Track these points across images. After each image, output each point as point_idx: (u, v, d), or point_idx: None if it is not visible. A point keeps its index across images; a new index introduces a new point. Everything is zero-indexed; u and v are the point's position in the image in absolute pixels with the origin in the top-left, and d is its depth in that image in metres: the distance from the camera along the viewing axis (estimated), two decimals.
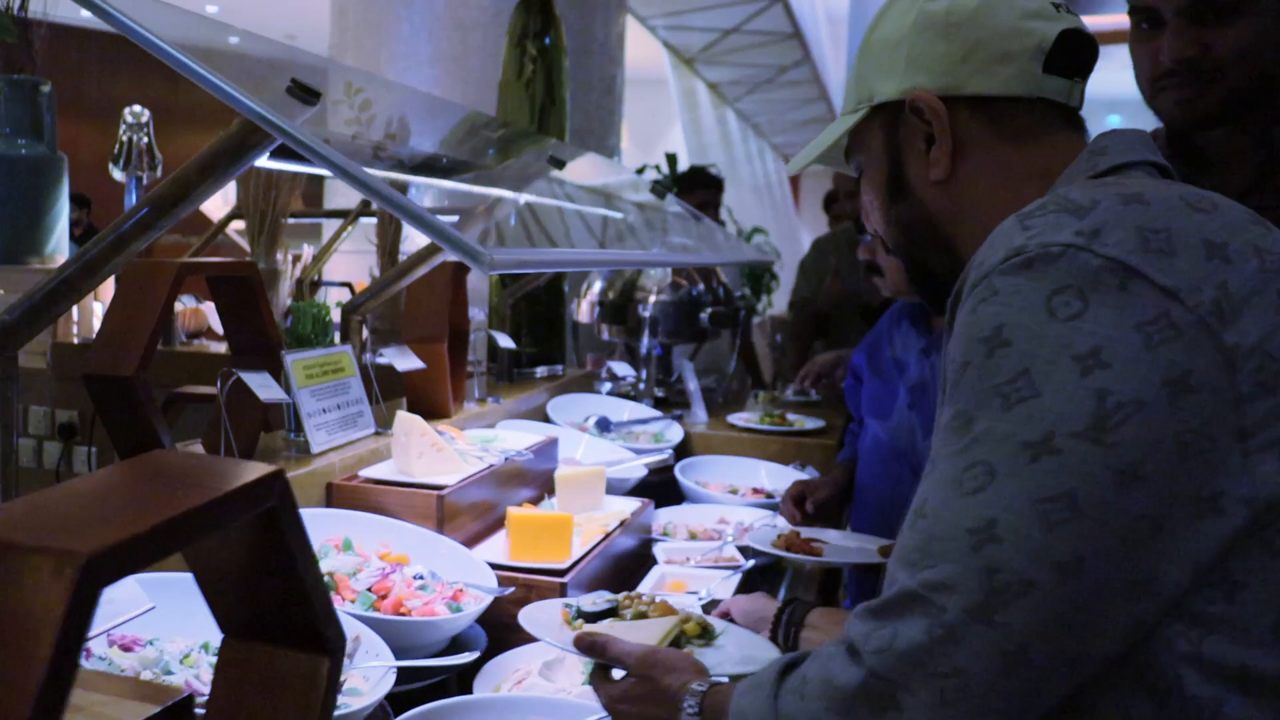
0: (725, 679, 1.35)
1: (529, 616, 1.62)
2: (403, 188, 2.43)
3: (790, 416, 3.65)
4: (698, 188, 5.48)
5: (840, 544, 2.32)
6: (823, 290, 4.58)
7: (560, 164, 2.50)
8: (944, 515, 0.96)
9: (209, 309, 4.56)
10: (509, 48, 3.53)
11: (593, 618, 1.63)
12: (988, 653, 0.92)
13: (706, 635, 1.64)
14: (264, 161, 1.34)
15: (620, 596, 1.71)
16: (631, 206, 3.04)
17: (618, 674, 1.41)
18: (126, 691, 0.98)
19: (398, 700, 1.54)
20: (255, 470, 0.79)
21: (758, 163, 18.89)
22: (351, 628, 1.56)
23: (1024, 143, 1.23)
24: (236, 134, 1.24)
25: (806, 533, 2.33)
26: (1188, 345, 0.94)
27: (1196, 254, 0.98)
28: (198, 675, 1.39)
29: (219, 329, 4.65)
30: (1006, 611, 0.92)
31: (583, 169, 2.97)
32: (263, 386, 1.86)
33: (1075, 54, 1.24)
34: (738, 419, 3.65)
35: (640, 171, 6.42)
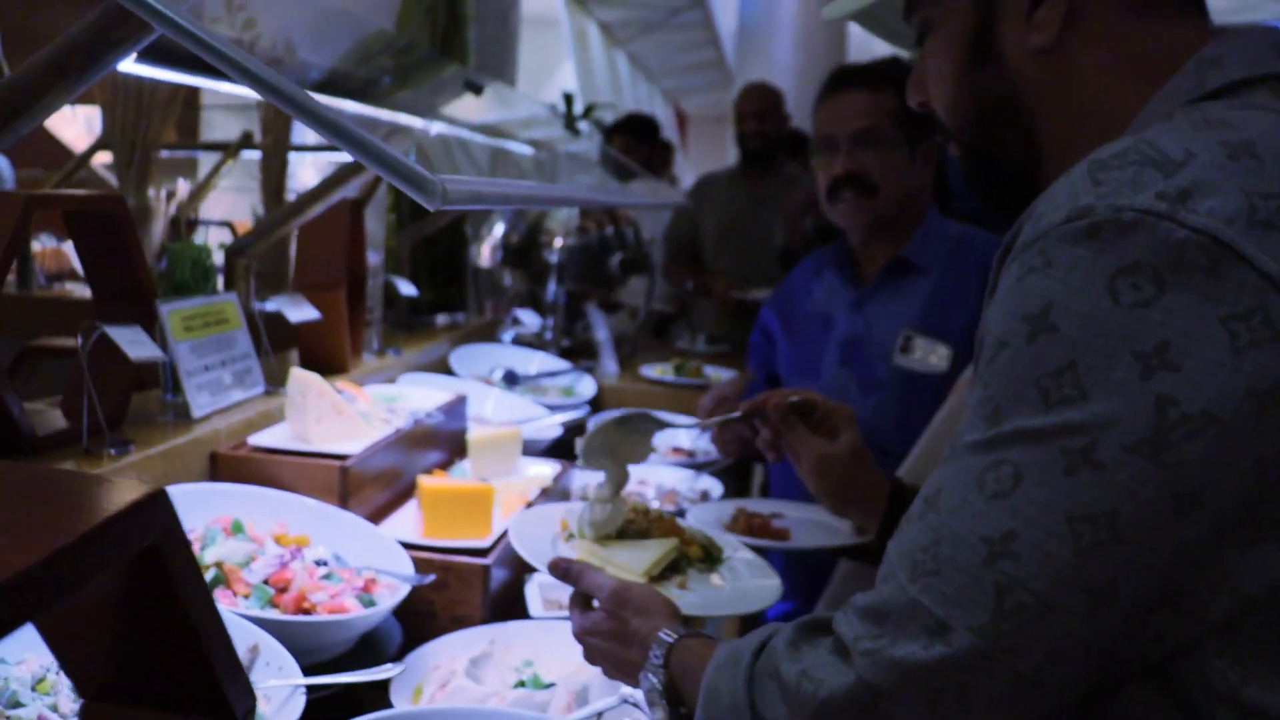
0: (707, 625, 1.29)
1: (519, 527, 1.58)
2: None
3: (706, 369, 3.45)
4: (650, 141, 5.38)
5: (804, 518, 2.04)
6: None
7: (478, 89, 2.23)
8: (959, 516, 0.84)
9: (71, 249, 4.18)
10: None
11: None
12: (995, 675, 0.82)
13: (710, 559, 1.60)
14: (130, 65, 1.06)
15: (628, 502, 1.64)
16: (548, 144, 2.78)
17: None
18: None
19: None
20: (128, 493, 0.55)
21: (647, 106, 18.58)
22: (248, 634, 1.31)
23: (1146, 19, 0.98)
24: (96, 24, 0.97)
25: (755, 507, 2.07)
26: None
27: None
28: (55, 706, 1.12)
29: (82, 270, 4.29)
30: (1019, 635, 0.81)
31: (494, 102, 2.70)
32: (133, 343, 1.58)
33: None
34: (649, 370, 3.44)
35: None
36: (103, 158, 3.97)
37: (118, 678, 0.68)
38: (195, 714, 0.68)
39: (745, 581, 1.56)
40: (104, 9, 0.95)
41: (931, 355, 2.22)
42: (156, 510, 0.57)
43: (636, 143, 5.56)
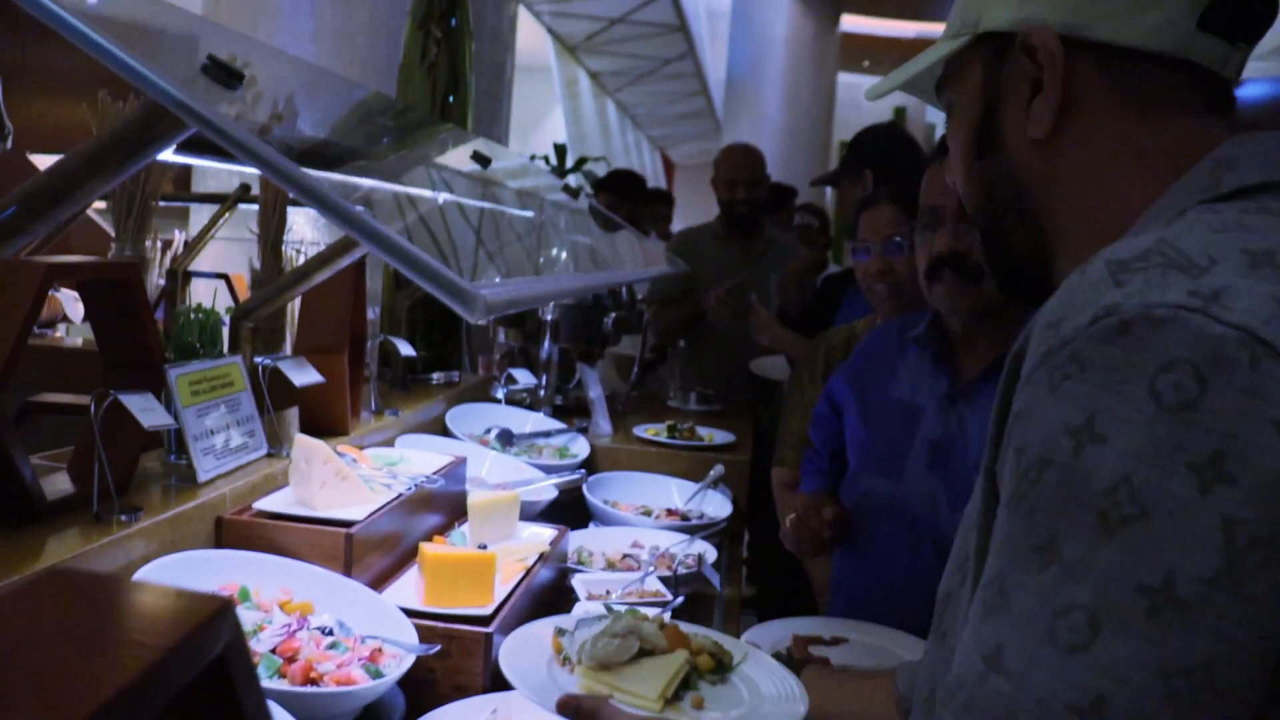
0: None
1: (512, 658, 1.53)
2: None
3: (700, 430, 3.48)
4: (636, 197, 5.43)
5: (868, 643, 1.89)
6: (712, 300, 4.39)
7: (485, 161, 2.26)
8: (1034, 680, 0.74)
9: (65, 296, 4.18)
10: (411, 29, 3.27)
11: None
12: None
13: (722, 669, 1.56)
14: (169, 155, 1.10)
15: (619, 613, 1.59)
16: (551, 207, 2.82)
17: None
18: None
19: None
20: (203, 604, 0.57)
21: (635, 154, 18.78)
22: None
23: (1150, 115, 0.97)
24: (140, 122, 1.00)
25: (809, 627, 1.94)
26: None
27: None
28: None
29: (76, 317, 4.28)
30: None
31: (499, 164, 2.74)
32: (145, 410, 1.60)
33: (1245, 9, 0.96)
34: (641, 431, 3.46)
35: (533, 160, 6.20)
36: (98, 204, 3.99)
37: None
38: None
39: (768, 701, 1.50)
40: (146, 106, 0.98)
41: None
42: (227, 619, 0.59)
43: (620, 200, 5.63)
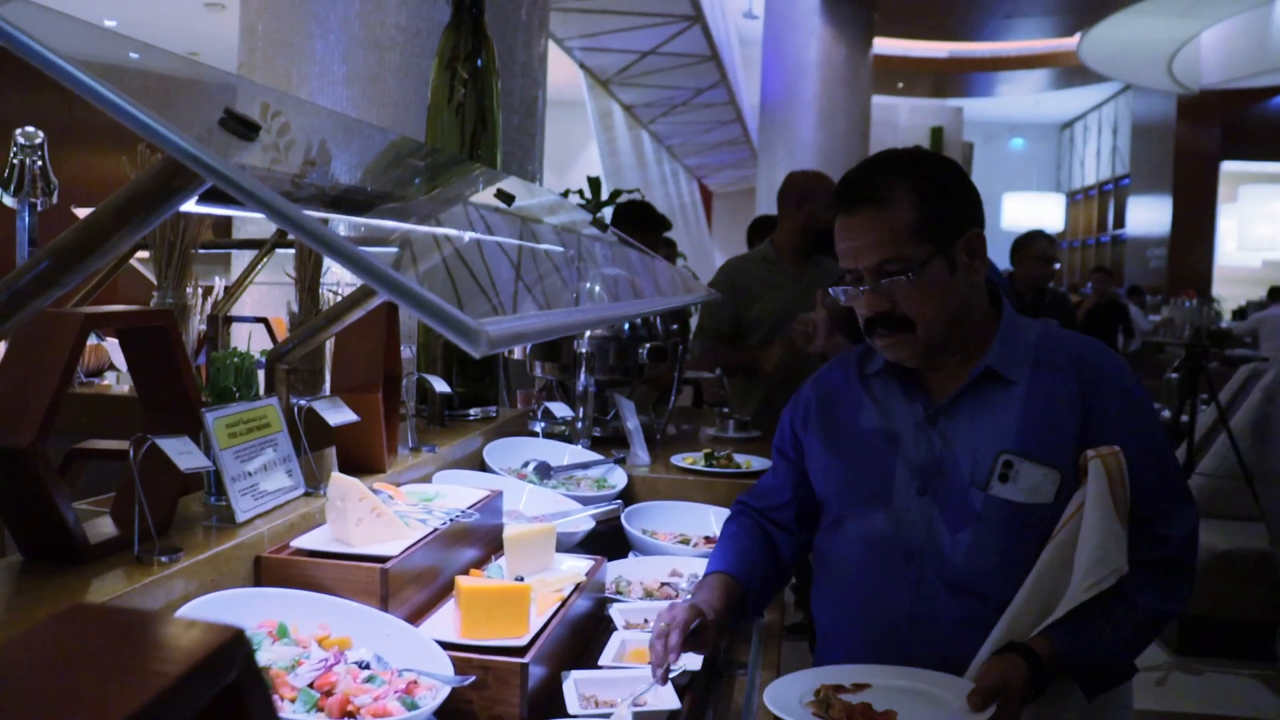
0: None
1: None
2: (348, 240, 2.21)
3: (737, 458, 3.49)
4: (649, 227, 5.42)
5: (899, 687, 1.80)
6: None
7: (509, 199, 2.31)
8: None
9: (111, 345, 4.28)
10: (438, 70, 3.33)
11: None
12: None
13: None
14: (191, 206, 1.14)
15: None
16: (576, 240, 2.86)
17: None
18: None
19: None
20: (213, 634, 0.60)
21: (672, 184, 18.85)
22: None
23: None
24: (160, 175, 1.04)
25: (836, 676, 1.84)
26: None
27: None
28: None
29: (122, 365, 4.37)
30: None
31: (523, 200, 2.78)
32: (182, 454, 1.64)
33: None
34: (680, 460, 3.47)
35: (565, 196, 6.24)
36: (140, 254, 4.08)
37: None
38: None
39: None
40: (165, 162, 1.02)
41: (1037, 482, 1.91)
42: (238, 648, 0.62)
43: (634, 231, 5.65)
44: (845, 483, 2.12)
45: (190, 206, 1.12)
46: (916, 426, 2.03)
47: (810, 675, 1.84)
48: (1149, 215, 21.89)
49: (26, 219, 3.83)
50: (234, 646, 0.61)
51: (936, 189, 1.98)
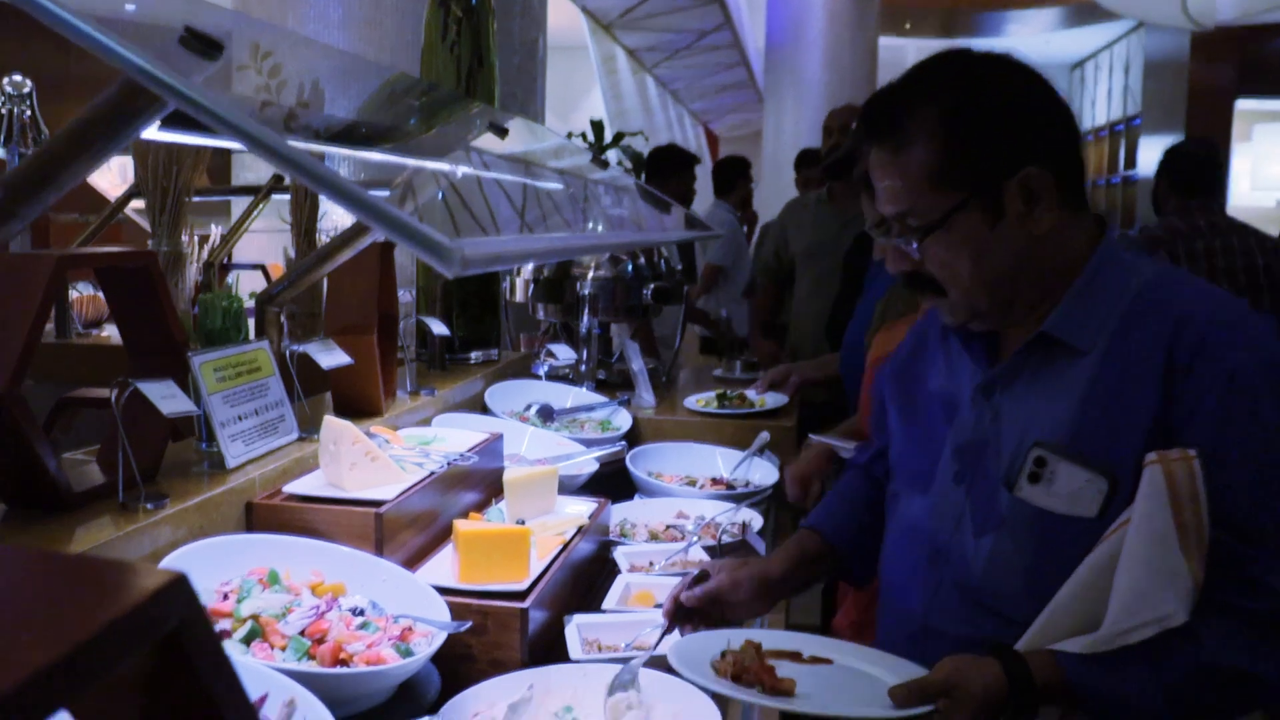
0: None
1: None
2: (320, 160, 2.14)
3: (750, 395, 3.43)
4: (683, 168, 5.47)
5: (843, 664, 1.60)
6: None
7: (502, 132, 2.23)
8: None
9: None
10: (431, 8, 3.24)
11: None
12: None
13: None
14: (153, 132, 1.07)
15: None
16: (575, 179, 2.79)
17: None
18: None
19: None
20: (148, 580, 0.55)
21: (677, 130, 18.67)
22: (284, 689, 1.31)
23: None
24: (115, 97, 0.98)
25: (774, 640, 1.61)
26: None
27: None
28: None
29: None
30: None
31: (519, 137, 2.71)
32: (166, 397, 1.59)
33: None
34: (691, 402, 3.42)
35: (569, 139, 6.17)
36: (136, 204, 4.02)
37: None
38: None
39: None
40: (122, 82, 0.95)
41: (1078, 489, 1.47)
42: (177, 594, 0.56)
43: (669, 175, 5.63)
44: (900, 452, 1.80)
45: (152, 133, 1.06)
46: (973, 396, 1.64)
47: (739, 635, 1.61)
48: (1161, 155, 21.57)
49: (14, 165, 3.75)
50: (172, 593, 0.55)
51: (974, 114, 1.52)
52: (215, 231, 3.87)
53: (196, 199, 3.82)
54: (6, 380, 1.45)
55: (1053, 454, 1.48)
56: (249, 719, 0.65)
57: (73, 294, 3.91)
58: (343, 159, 2.75)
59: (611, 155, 7.01)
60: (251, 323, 2.15)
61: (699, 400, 3.41)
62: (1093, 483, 1.45)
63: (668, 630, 1.76)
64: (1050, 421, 1.51)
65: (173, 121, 1.05)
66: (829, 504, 1.99)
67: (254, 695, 1.31)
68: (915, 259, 1.58)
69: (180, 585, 0.56)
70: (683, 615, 1.77)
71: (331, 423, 1.86)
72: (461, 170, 2.02)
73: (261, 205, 3.90)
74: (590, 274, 3.61)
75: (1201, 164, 4.34)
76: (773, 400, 3.39)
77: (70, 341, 3.66)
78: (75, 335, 3.75)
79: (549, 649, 1.77)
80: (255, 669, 1.33)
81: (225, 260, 3.71)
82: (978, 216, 1.52)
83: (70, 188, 1.08)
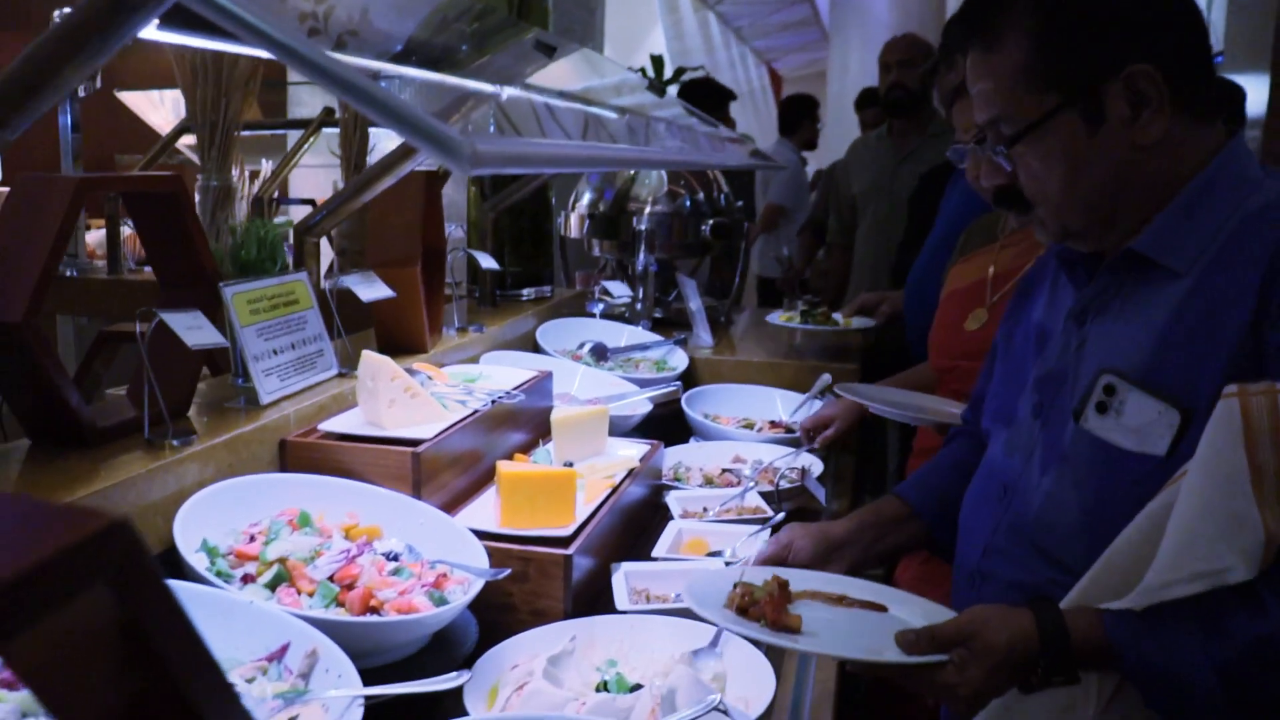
0: None
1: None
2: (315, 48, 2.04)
3: (835, 315, 3.33)
4: (717, 103, 5.34)
5: (895, 614, 1.45)
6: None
7: (550, 49, 2.11)
8: None
9: None
10: None
11: None
12: None
13: None
14: (151, 31, 0.97)
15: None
16: (629, 107, 2.66)
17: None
18: None
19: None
20: (78, 526, 0.45)
21: (740, 69, 18.34)
22: (306, 638, 1.23)
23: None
24: None
25: (799, 578, 1.49)
26: None
27: None
28: None
29: None
30: None
31: (570, 65, 2.59)
32: (191, 328, 1.51)
33: None
34: (774, 317, 3.39)
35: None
36: (188, 140, 3.96)
37: None
38: None
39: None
40: None
41: (1147, 422, 1.30)
42: (113, 541, 0.47)
43: (701, 109, 5.51)
44: (993, 390, 1.67)
45: (151, 33, 0.96)
46: (1064, 323, 1.48)
47: (786, 574, 1.47)
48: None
49: (67, 105, 3.71)
50: (106, 540, 0.46)
51: (1074, 7, 1.35)
52: (266, 166, 3.80)
53: (247, 133, 3.75)
54: (23, 308, 1.37)
55: (1124, 382, 1.32)
56: (212, 692, 0.56)
57: (125, 231, 3.86)
58: (385, 77, 2.65)
59: (670, 91, 6.86)
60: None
61: (782, 315, 3.38)
62: (1164, 416, 1.28)
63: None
64: (1130, 348, 1.35)
65: (170, 22, 0.95)
66: (919, 471, 1.85)
67: (275, 644, 1.23)
68: (1008, 171, 1.42)
69: (120, 531, 0.47)
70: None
71: (369, 358, 1.78)
72: (507, 92, 1.90)
73: (312, 139, 3.82)
74: (648, 209, 3.50)
75: None
76: (859, 323, 3.28)
77: (121, 278, 3.61)
78: (126, 271, 3.70)
79: (595, 599, 1.68)
80: (276, 616, 1.25)
81: (275, 195, 3.64)
82: (1076, 122, 1.35)
83: (64, 92, 0.98)
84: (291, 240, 2.06)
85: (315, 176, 4.76)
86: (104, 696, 0.55)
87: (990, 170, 1.47)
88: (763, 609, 1.35)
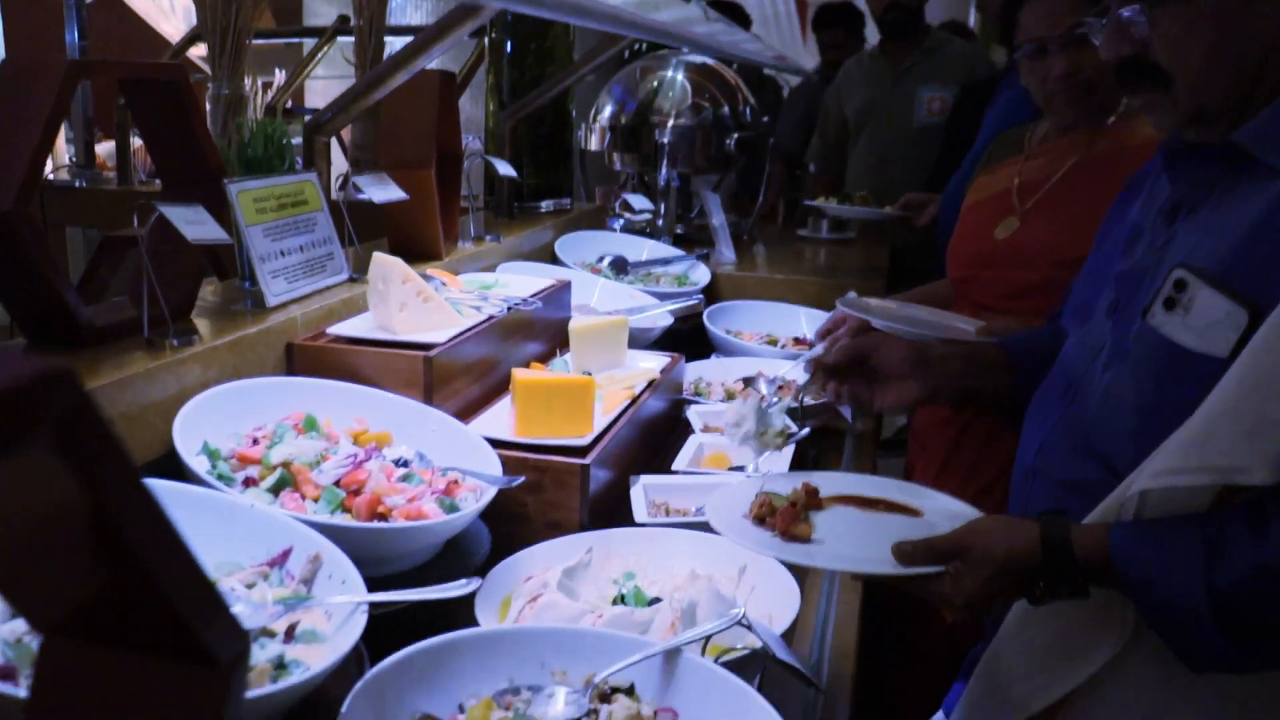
0: None
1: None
2: None
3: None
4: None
5: (930, 520, 1.37)
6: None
7: None
8: None
9: None
10: None
11: None
12: None
13: None
14: None
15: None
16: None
17: None
18: None
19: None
20: (16, 370, 0.38)
21: None
22: (310, 542, 1.17)
23: None
24: None
25: (838, 483, 1.42)
26: None
27: None
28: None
29: None
30: None
31: None
32: (191, 223, 1.44)
33: None
34: (817, 201, 3.49)
35: None
36: (200, 51, 3.87)
37: (73, 611, 0.53)
38: (171, 656, 0.53)
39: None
40: None
41: (1214, 321, 1.19)
42: (57, 391, 0.40)
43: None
44: (1077, 285, 1.60)
45: None
46: (1156, 219, 1.38)
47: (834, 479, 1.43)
48: None
49: (74, 12, 3.62)
50: (45, 390, 0.39)
51: None
52: (279, 76, 3.71)
53: (259, 41, 3.65)
54: (15, 195, 1.30)
55: (1196, 278, 1.21)
56: (183, 571, 0.50)
57: (135, 142, 3.78)
58: None
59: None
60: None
61: (821, 199, 3.42)
62: (1232, 316, 1.17)
63: (807, 386, 1.60)
64: (1213, 244, 1.23)
65: None
66: (1026, 333, 1.75)
67: (277, 549, 1.17)
68: (1139, 38, 1.27)
69: (61, 382, 0.40)
70: (826, 373, 1.59)
71: (380, 259, 1.70)
72: None
73: (327, 47, 3.73)
74: (670, 122, 3.39)
75: None
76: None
77: (133, 188, 3.55)
78: (137, 184, 3.63)
79: (612, 513, 1.62)
80: (278, 520, 1.19)
81: (289, 105, 3.55)
82: None
83: None
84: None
85: (330, 88, 4.65)
86: (61, 579, 0.49)
87: (1117, 37, 1.30)
88: (778, 517, 1.29)
